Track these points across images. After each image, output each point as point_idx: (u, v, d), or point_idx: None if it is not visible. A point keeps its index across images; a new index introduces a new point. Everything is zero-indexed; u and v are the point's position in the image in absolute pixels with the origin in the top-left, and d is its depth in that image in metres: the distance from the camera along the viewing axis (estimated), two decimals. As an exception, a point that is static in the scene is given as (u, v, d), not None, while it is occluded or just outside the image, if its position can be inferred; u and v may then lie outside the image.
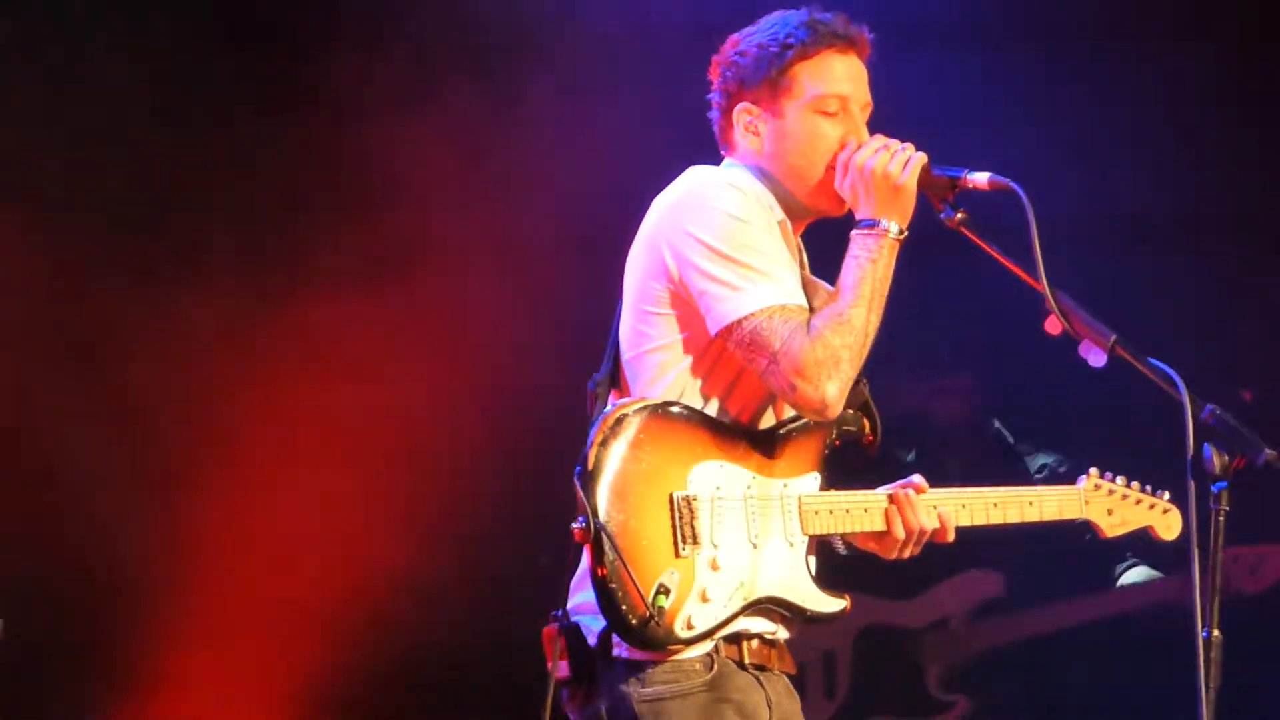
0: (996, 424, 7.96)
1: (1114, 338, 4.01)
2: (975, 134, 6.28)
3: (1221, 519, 3.83)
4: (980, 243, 4.15)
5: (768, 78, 4.25)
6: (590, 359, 4.35)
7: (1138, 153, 7.35)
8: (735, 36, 4.33)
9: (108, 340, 6.79)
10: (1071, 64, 7.23)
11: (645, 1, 7.13)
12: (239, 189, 6.95)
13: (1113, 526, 4.56)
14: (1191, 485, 3.84)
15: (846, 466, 4.32)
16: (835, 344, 4.05)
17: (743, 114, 4.30)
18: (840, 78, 4.24)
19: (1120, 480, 4.55)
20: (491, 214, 7.08)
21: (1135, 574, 7.70)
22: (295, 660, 6.85)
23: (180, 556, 6.77)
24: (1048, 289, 4.04)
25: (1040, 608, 7.68)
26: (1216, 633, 3.79)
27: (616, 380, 4.30)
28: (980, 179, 4.14)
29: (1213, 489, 3.84)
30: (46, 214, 6.68)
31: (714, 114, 4.37)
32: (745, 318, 4.07)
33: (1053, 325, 4.06)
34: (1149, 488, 4.61)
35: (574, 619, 4.12)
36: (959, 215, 4.17)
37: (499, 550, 7.01)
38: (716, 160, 4.37)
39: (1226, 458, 3.87)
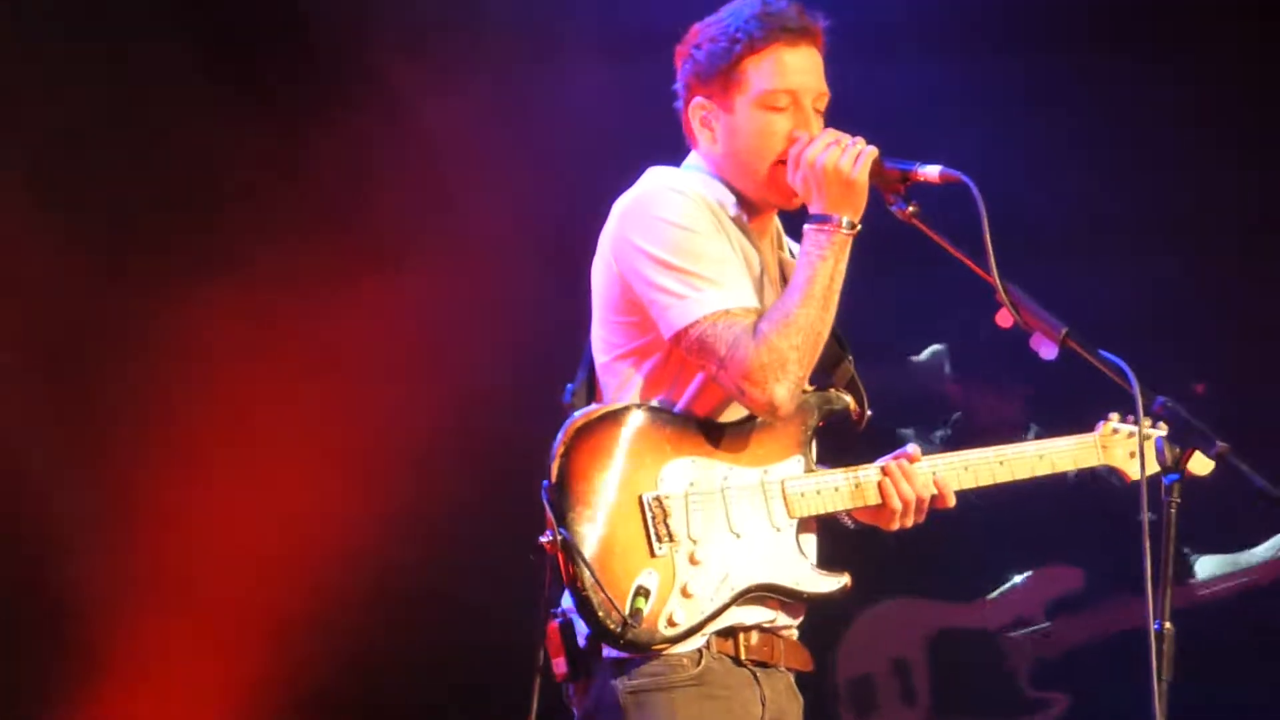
0: (1034, 431, 7.84)
1: (1064, 330, 4.02)
2: (926, 134, 6.29)
3: (1173, 511, 3.83)
4: (933, 235, 4.15)
5: (719, 72, 4.24)
6: (565, 357, 4.39)
7: (1085, 156, 7.36)
8: (697, 26, 4.32)
9: (71, 341, 6.73)
10: (1026, 65, 7.23)
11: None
12: (203, 190, 6.89)
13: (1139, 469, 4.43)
14: (1144, 478, 3.84)
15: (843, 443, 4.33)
16: (782, 346, 4.05)
17: (698, 109, 4.30)
18: (789, 71, 4.21)
19: (1146, 420, 4.51)
20: (465, 212, 7.04)
21: (1210, 563, 7.47)
22: (253, 659, 6.80)
23: (135, 553, 6.73)
24: (999, 282, 4.04)
25: (1125, 600, 7.37)
26: (1168, 625, 3.79)
27: (591, 389, 4.31)
28: (931, 172, 4.13)
29: (1164, 481, 3.84)
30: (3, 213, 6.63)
31: (677, 105, 4.37)
32: (691, 325, 4.08)
33: (1004, 318, 4.06)
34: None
35: (568, 617, 4.11)
36: (911, 208, 4.17)
37: (464, 544, 6.97)
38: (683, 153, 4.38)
39: (1178, 450, 3.87)
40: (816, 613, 4.30)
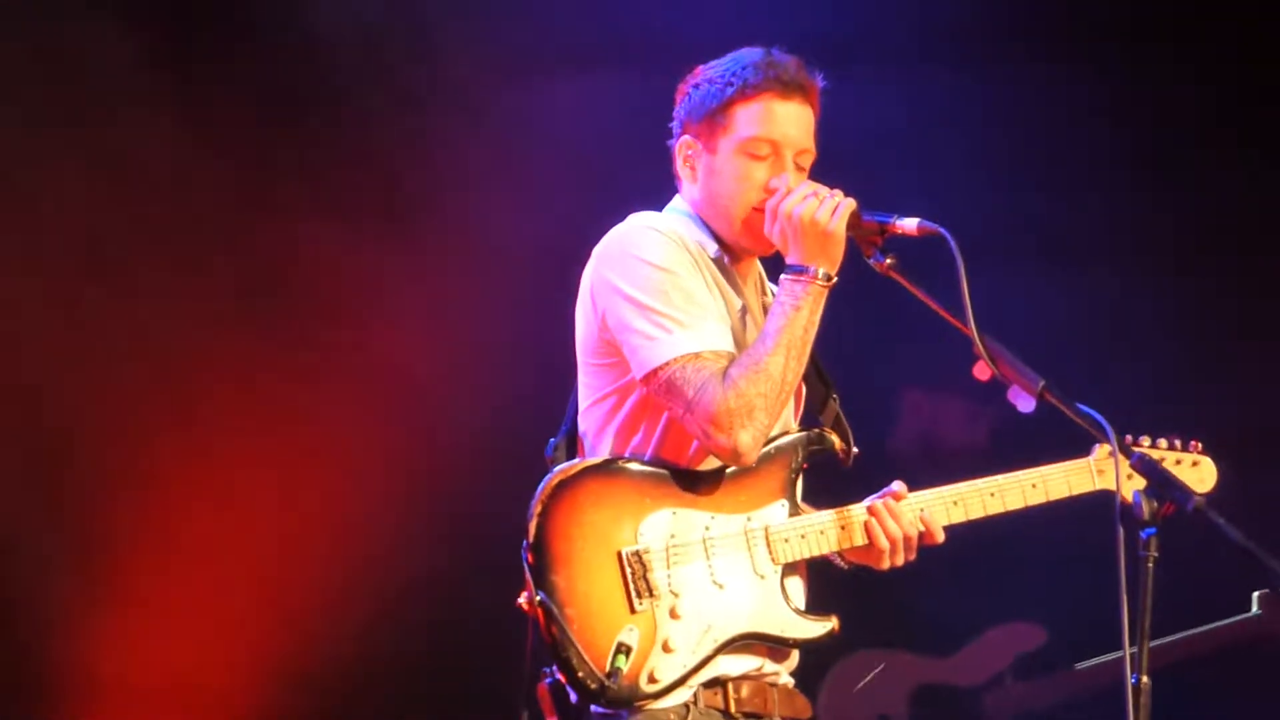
0: None
1: (1042, 383, 4.00)
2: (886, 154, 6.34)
3: (1150, 565, 3.84)
4: (910, 287, 4.15)
5: (709, 113, 4.27)
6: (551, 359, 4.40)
7: (1026, 169, 7.39)
8: (700, 67, 4.35)
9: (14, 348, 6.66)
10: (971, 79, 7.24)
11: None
12: (164, 195, 6.82)
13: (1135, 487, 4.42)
14: (1120, 532, 3.85)
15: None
16: (750, 393, 4.05)
17: (684, 147, 4.33)
18: (776, 121, 4.23)
19: (1145, 439, 4.50)
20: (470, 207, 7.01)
21: None
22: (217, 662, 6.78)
23: (94, 563, 6.69)
24: (976, 334, 4.03)
25: (1104, 660, 7.15)
26: (1145, 679, 3.80)
27: (573, 442, 4.32)
28: (909, 225, 4.14)
29: (1141, 535, 3.84)
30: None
31: (670, 142, 4.38)
32: (661, 366, 4.09)
33: (981, 371, 4.06)
34: (1176, 442, 4.58)
35: (556, 676, 4.10)
36: (888, 260, 4.17)
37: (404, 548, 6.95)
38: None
39: (1155, 504, 3.88)
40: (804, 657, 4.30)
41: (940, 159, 7.09)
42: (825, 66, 4.34)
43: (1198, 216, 7.40)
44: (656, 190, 4.43)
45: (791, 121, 4.25)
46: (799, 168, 4.26)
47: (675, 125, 4.35)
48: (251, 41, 6.88)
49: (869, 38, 7.04)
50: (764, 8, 6.73)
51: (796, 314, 4.11)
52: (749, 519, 4.19)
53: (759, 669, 4.21)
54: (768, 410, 4.07)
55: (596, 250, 4.25)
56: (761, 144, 4.23)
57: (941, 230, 4.06)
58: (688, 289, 4.15)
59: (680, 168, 4.34)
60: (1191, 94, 7.28)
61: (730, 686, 4.17)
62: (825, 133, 4.36)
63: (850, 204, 4.15)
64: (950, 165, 7.11)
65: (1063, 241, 7.39)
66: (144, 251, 6.73)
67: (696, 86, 4.31)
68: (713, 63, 4.33)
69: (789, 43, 4.33)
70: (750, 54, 4.28)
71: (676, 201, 4.37)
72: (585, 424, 4.28)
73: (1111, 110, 7.41)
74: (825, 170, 4.29)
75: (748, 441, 4.06)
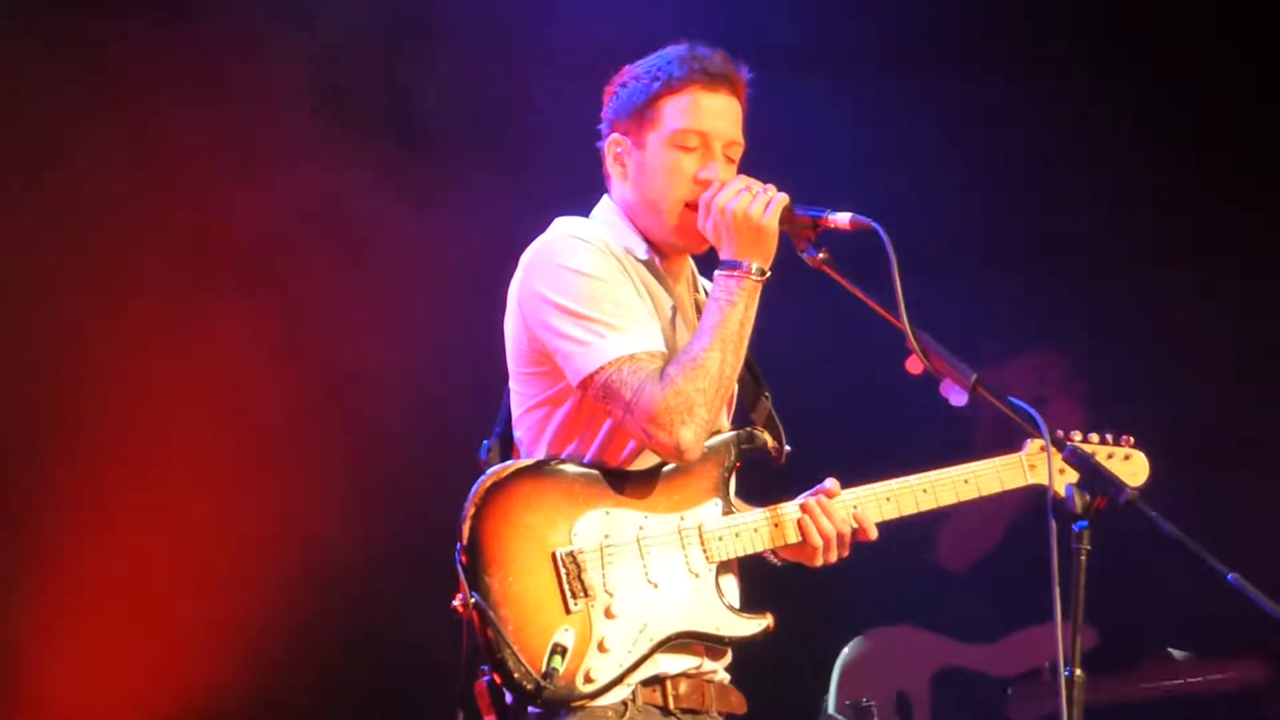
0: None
1: (975, 377, 4.01)
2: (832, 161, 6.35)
3: (1083, 558, 3.85)
4: (843, 281, 4.15)
5: (636, 109, 4.28)
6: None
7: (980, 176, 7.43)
8: (626, 66, 4.36)
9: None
10: (921, 88, 7.27)
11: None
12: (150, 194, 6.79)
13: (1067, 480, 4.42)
14: (1053, 525, 3.85)
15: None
16: (688, 390, 4.05)
17: (614, 145, 4.33)
18: (703, 114, 4.24)
19: (1076, 434, 4.49)
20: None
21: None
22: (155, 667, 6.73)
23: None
24: (909, 328, 4.03)
25: (1153, 666, 7.28)
26: (1079, 671, 3.81)
27: (507, 444, 4.31)
28: (842, 219, 4.14)
29: (1074, 528, 3.85)
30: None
31: (599, 144, 4.39)
32: (597, 371, 4.09)
33: (914, 365, 4.06)
34: (1109, 436, 4.60)
35: (492, 673, 4.09)
36: (821, 255, 4.17)
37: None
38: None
39: (1088, 497, 3.89)
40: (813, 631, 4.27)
41: (888, 165, 7.12)
42: (775, 72, 4.37)
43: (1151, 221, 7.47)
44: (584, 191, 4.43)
45: (719, 113, 4.26)
46: (728, 159, 4.27)
47: (604, 125, 4.36)
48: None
49: (820, 46, 7.08)
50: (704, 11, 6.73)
51: (732, 309, 4.12)
52: (683, 518, 4.19)
53: (698, 667, 4.22)
54: (707, 405, 4.07)
55: (523, 261, 4.25)
56: (690, 135, 4.24)
57: (874, 224, 4.06)
58: (616, 294, 4.15)
59: (610, 166, 4.35)
60: (1147, 97, 7.34)
61: (669, 684, 4.17)
62: (766, 133, 4.38)
63: (783, 198, 4.16)
64: (897, 172, 7.14)
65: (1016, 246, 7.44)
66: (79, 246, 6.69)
67: (624, 85, 4.32)
68: (639, 61, 4.34)
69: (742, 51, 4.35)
70: (675, 50, 4.29)
71: (604, 204, 4.37)
72: (520, 431, 4.28)
73: (1061, 114, 7.45)
74: (761, 169, 4.29)
75: (689, 438, 4.06)
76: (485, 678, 4.09)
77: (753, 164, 4.31)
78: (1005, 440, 4.45)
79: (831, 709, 7.42)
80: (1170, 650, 7.40)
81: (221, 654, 6.74)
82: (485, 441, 4.34)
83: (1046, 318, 7.51)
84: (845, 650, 7.54)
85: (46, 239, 6.68)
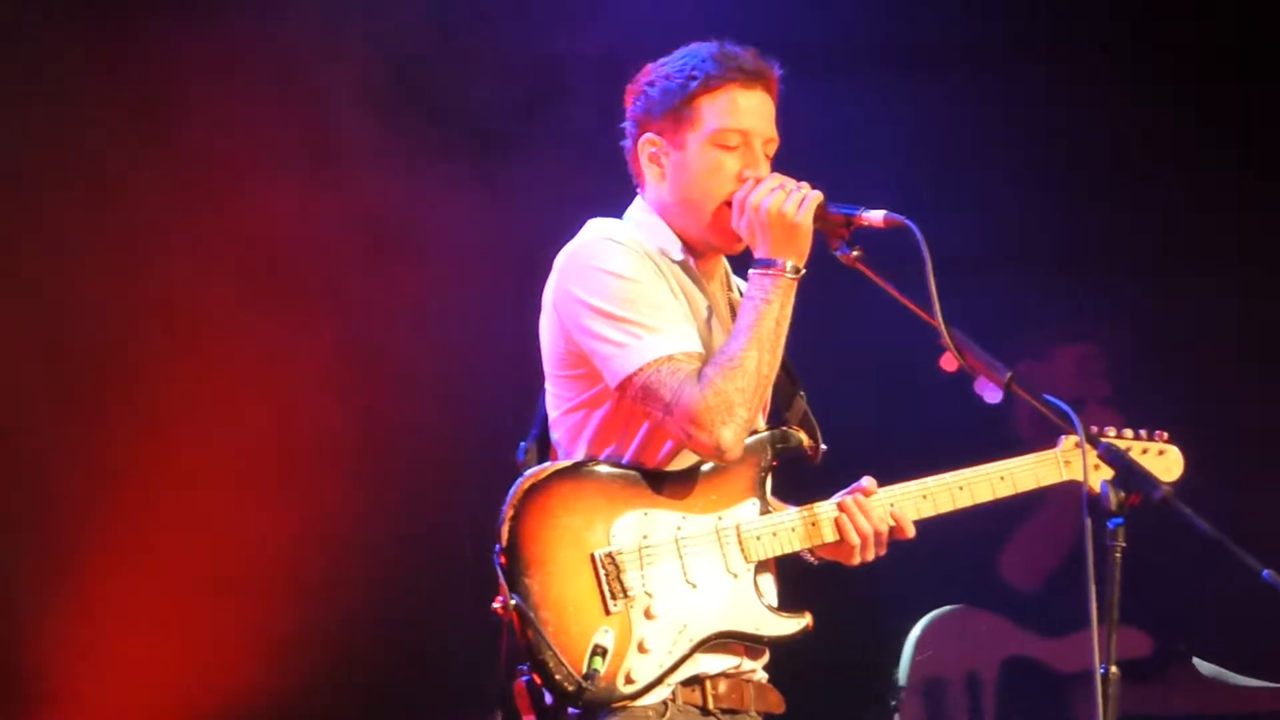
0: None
1: (1009, 374, 4.01)
2: (863, 162, 6.33)
3: (1118, 555, 3.84)
4: (877, 279, 4.15)
5: (672, 109, 4.26)
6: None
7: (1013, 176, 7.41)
8: (649, 66, 4.35)
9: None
10: (952, 87, 7.25)
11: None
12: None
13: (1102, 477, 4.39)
14: (1089, 523, 3.85)
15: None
16: (727, 389, 4.05)
17: (647, 145, 4.32)
18: (743, 112, 4.24)
19: (1110, 430, 4.48)
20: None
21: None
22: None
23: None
24: (943, 325, 4.03)
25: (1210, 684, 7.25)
26: (1114, 669, 3.80)
27: (544, 446, 4.32)
28: (875, 216, 4.14)
29: (1109, 525, 3.84)
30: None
31: (626, 144, 4.38)
32: (635, 373, 4.09)
33: (948, 362, 4.06)
34: (1143, 432, 4.57)
35: (532, 675, 4.09)
36: (855, 252, 4.17)
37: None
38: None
39: (1123, 494, 3.88)
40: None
41: (925, 165, 7.10)
42: (804, 71, 4.37)
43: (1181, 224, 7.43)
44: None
45: (756, 111, 4.26)
46: (765, 156, 4.27)
47: (630, 125, 4.35)
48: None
49: (839, 44, 7.07)
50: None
51: (767, 308, 4.11)
52: (720, 518, 4.19)
53: (736, 667, 4.22)
54: (746, 405, 4.07)
55: (557, 263, 4.25)
56: (731, 135, 4.23)
57: (908, 222, 4.06)
58: (652, 296, 4.15)
59: (645, 167, 4.33)
60: (1190, 95, 7.30)
61: (708, 684, 4.17)
62: (800, 131, 4.39)
63: (817, 196, 4.16)
64: (931, 171, 7.12)
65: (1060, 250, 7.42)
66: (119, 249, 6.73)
67: (652, 84, 4.30)
68: (662, 60, 4.33)
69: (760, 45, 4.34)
70: (705, 47, 4.29)
71: (637, 204, 4.36)
72: (557, 434, 4.28)
73: (1090, 117, 7.43)
74: (794, 168, 4.29)
75: (730, 438, 4.06)
76: (524, 678, 4.10)
77: (784, 163, 4.30)
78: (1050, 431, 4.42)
79: (903, 681, 7.42)
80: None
81: (256, 657, 6.75)
82: (522, 444, 4.34)
83: (1087, 317, 7.47)
84: (920, 624, 7.52)
85: (83, 239, 6.71)
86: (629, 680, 4.05)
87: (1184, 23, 7.31)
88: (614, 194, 4.43)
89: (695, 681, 4.15)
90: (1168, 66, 7.30)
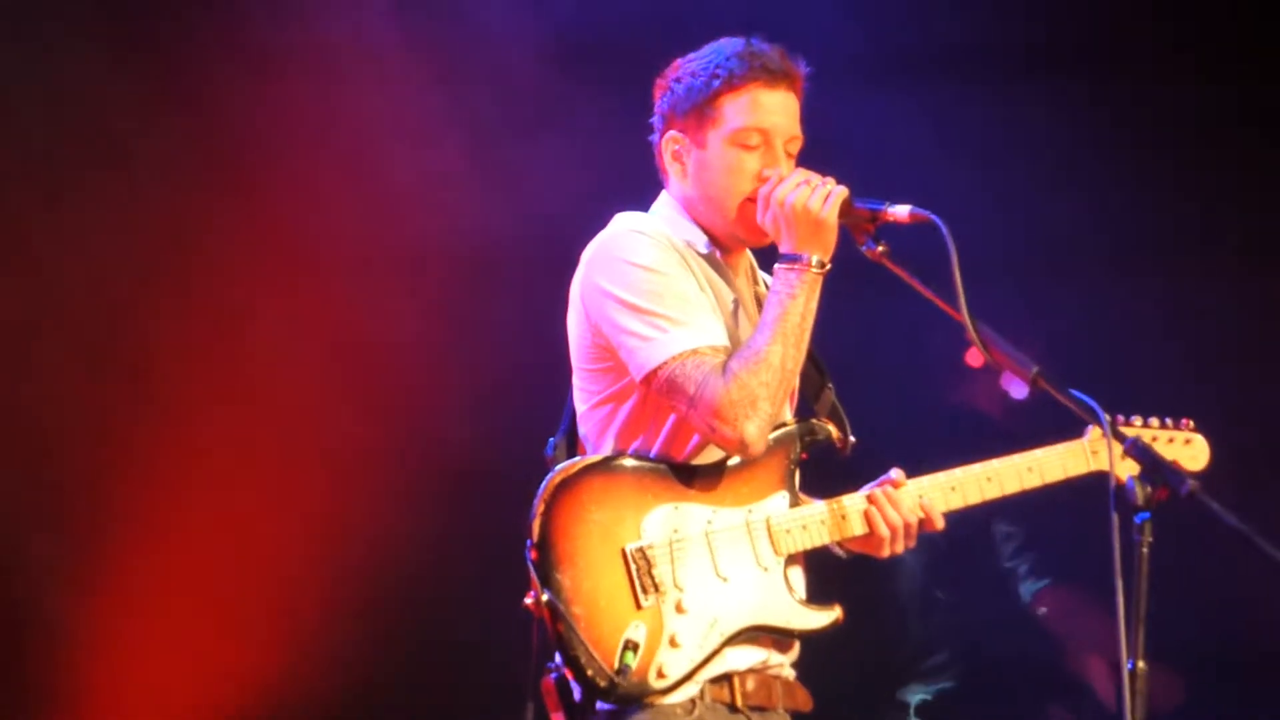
0: None
1: (1035, 369, 3.99)
2: (904, 168, 6.30)
3: (1145, 550, 3.82)
4: (902, 274, 4.15)
5: (695, 107, 4.27)
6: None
7: (1062, 180, 7.37)
8: (678, 61, 4.35)
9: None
10: (992, 92, 7.23)
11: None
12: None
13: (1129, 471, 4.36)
14: (1115, 518, 3.83)
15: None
16: (751, 384, 4.06)
17: (671, 142, 4.33)
18: (764, 111, 4.24)
19: (1137, 420, 4.48)
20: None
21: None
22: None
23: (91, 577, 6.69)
24: (969, 321, 4.02)
25: None
26: (1142, 664, 3.79)
27: (573, 441, 4.33)
28: (901, 212, 4.13)
29: (1136, 520, 3.83)
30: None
31: (653, 138, 4.39)
32: (660, 366, 4.10)
33: (974, 357, 4.07)
34: (1168, 420, 4.55)
35: (563, 672, 4.10)
36: (880, 248, 4.18)
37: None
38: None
39: (1149, 489, 3.86)
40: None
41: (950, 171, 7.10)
42: (836, 71, 4.37)
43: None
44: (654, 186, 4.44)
45: (779, 110, 4.26)
46: (788, 155, 4.27)
47: (657, 120, 4.36)
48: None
49: (874, 54, 7.06)
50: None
51: (793, 302, 4.12)
52: (750, 511, 4.20)
53: (765, 662, 4.22)
54: (771, 399, 4.07)
55: (584, 257, 4.27)
56: (752, 134, 4.24)
57: (933, 217, 4.06)
58: (679, 289, 4.16)
59: (668, 163, 4.34)
60: (1191, 100, 7.27)
61: (736, 681, 4.17)
62: (825, 131, 4.39)
63: (842, 191, 4.16)
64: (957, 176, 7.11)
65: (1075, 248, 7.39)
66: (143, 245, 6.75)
67: (678, 80, 4.31)
68: (690, 56, 4.33)
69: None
70: (731, 44, 4.29)
71: (663, 199, 4.37)
72: (585, 427, 4.29)
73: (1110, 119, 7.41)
74: (819, 165, 4.28)
75: (754, 432, 4.07)
76: (553, 675, 4.11)
77: (811, 160, 4.30)
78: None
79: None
80: None
81: (286, 652, 6.79)
82: (551, 439, 4.36)
83: (1115, 316, 7.45)
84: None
85: (108, 236, 6.74)
86: (660, 675, 4.06)
87: (1225, 21, 7.27)
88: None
89: (724, 679, 4.15)
90: (1210, 66, 7.26)
